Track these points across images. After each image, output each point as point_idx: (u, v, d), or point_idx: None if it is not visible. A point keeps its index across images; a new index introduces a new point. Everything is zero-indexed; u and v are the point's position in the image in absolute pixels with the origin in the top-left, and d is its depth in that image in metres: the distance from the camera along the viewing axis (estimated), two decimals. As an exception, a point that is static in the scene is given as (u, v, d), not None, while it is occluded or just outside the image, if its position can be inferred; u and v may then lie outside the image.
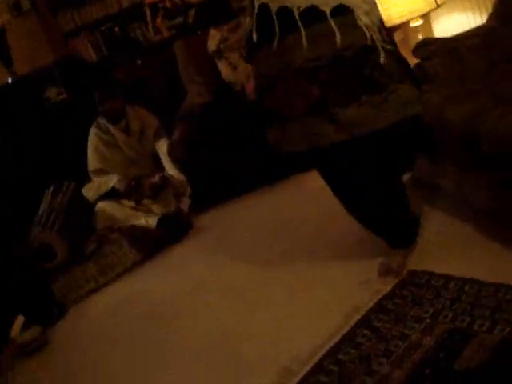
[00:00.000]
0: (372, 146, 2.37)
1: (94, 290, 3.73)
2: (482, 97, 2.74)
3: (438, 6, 4.16)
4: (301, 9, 2.27)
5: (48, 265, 3.93)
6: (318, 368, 2.26)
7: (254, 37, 2.37)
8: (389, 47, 2.35)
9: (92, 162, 4.51)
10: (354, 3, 2.29)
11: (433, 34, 4.56)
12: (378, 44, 2.30)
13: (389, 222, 2.66)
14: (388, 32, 2.47)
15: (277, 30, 2.29)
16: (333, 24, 2.25)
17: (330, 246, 3.08)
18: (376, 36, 2.30)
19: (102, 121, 4.52)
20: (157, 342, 2.89)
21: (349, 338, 2.36)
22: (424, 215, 2.86)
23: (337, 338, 2.37)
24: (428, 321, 2.29)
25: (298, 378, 2.24)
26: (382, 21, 2.44)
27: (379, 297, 2.53)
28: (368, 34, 2.28)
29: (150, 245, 3.88)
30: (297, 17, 2.27)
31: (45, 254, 3.93)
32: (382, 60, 2.28)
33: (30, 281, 3.66)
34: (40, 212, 4.19)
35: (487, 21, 3.45)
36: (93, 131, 4.54)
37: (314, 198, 3.56)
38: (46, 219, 4.07)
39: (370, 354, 2.24)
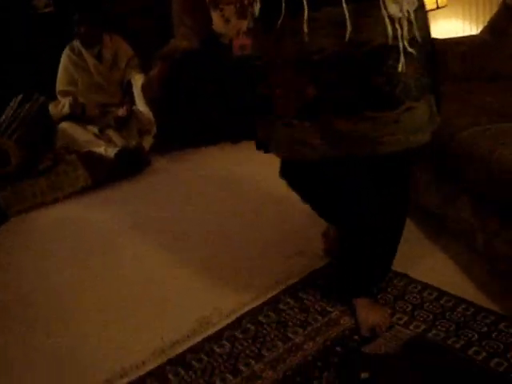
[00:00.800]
0: (368, 169, 2.01)
1: (39, 206, 3.73)
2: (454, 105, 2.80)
3: (438, 7, 4.18)
4: None
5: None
6: (237, 324, 2.32)
7: (256, 9, 1.94)
8: (412, 50, 1.82)
9: (60, 82, 4.54)
10: None
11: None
12: (401, 45, 1.80)
13: (371, 259, 2.23)
14: (428, 29, 1.96)
15: (283, 9, 1.82)
16: (345, 9, 1.75)
17: (273, 209, 3.17)
18: (403, 33, 1.80)
19: (77, 43, 4.53)
20: (81, 268, 2.95)
21: (273, 302, 2.42)
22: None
23: (261, 300, 2.43)
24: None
25: (215, 329, 2.30)
26: (420, 11, 1.89)
27: (311, 270, 2.59)
28: (390, 30, 1.77)
29: (104, 174, 3.89)
30: None
31: (-2, 160, 3.89)
32: (400, 68, 1.80)
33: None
34: (2, 118, 4.13)
35: (481, 32, 3.49)
36: (66, 52, 4.55)
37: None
38: (6, 126, 4.02)
39: (288, 321, 2.30)
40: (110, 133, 4.23)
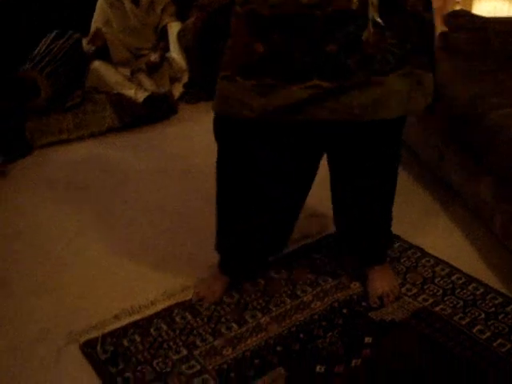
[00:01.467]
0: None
1: (64, 141, 3.75)
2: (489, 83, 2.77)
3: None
4: None
5: (28, 102, 3.91)
6: (247, 277, 2.36)
7: None
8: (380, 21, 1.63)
9: (96, 21, 4.49)
10: None
11: (470, 9, 4.50)
12: (370, 13, 1.61)
13: (372, 227, 2.20)
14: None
15: None
16: None
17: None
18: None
19: (115, -16, 4.46)
20: (96, 204, 3.01)
21: (285, 259, 2.45)
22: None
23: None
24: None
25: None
26: None
27: (327, 233, 2.61)
28: None
29: (131, 117, 3.89)
30: None
31: (28, 90, 3.91)
32: (364, 36, 1.62)
33: (5, 109, 3.69)
34: (36, 51, 4.14)
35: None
36: (102, -8, 4.49)
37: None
38: (39, 60, 4.02)
39: (298, 280, 2.33)
40: (141, 77, 4.22)
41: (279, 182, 2.01)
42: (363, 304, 2.19)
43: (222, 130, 2.00)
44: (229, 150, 2.02)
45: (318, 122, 1.76)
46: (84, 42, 4.36)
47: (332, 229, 2.55)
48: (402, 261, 2.44)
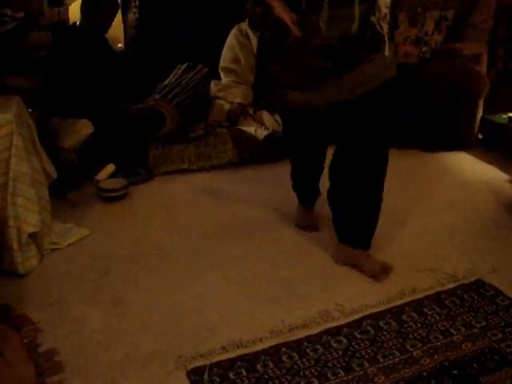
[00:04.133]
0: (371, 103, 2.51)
1: (184, 171, 3.89)
2: None
3: None
4: None
5: (154, 131, 4.09)
6: (357, 324, 2.35)
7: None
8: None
9: (225, 59, 4.67)
10: None
11: None
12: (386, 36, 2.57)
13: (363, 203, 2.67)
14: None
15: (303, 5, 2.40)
16: (357, 10, 2.40)
17: (418, 219, 3.11)
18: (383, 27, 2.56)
19: (245, 25, 4.65)
20: (209, 237, 3.08)
21: (396, 311, 2.42)
22: None
23: (385, 307, 2.44)
24: (475, 330, 2.31)
25: (334, 324, 2.35)
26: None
27: (439, 289, 2.56)
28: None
29: (250, 153, 3.97)
30: None
31: (155, 120, 4.08)
32: (387, 52, 2.59)
33: (133, 136, 3.88)
34: (165, 82, 4.33)
35: None
36: (233, 32, 4.69)
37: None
38: (168, 91, 4.21)
39: (408, 333, 2.29)
40: (263, 115, 4.32)
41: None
42: (475, 366, 2.12)
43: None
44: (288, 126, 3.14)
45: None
46: (212, 83, 4.53)
47: (446, 285, 2.53)
48: (500, 314, 2.39)
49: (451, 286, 2.58)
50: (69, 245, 3.02)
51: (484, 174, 3.83)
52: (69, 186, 3.52)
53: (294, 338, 2.27)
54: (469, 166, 3.99)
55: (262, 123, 4.24)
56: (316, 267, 2.77)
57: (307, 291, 2.58)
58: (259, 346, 2.23)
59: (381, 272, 2.66)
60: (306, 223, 3.15)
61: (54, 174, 3.15)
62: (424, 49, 4.51)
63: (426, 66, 4.19)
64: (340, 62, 2.45)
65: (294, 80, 2.56)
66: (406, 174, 3.79)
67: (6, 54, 3.55)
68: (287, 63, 2.55)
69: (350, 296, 2.53)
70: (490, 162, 3.99)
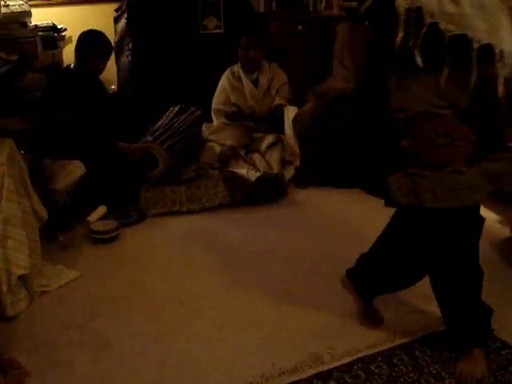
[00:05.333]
0: None
1: (175, 213, 3.89)
2: None
3: None
4: (481, 43, 1.96)
5: (146, 173, 4.11)
6: (348, 368, 2.34)
7: (419, 60, 2.01)
8: None
9: (216, 100, 4.74)
10: None
11: None
12: None
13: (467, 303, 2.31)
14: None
15: (448, 60, 1.99)
16: (500, 69, 1.99)
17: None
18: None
19: (237, 67, 4.73)
20: (201, 279, 3.07)
21: (387, 354, 2.41)
22: None
23: (375, 350, 2.43)
24: None
25: (325, 368, 2.33)
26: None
27: (430, 331, 2.55)
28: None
29: (242, 195, 3.99)
30: (474, 52, 1.97)
31: (147, 162, 4.11)
32: None
33: (124, 178, 3.89)
34: (158, 124, 4.36)
35: None
36: (226, 74, 4.77)
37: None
38: (160, 133, 4.24)
39: (399, 377, 2.28)
40: (255, 157, 4.35)
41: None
42: (466, 411, 2.11)
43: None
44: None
45: None
46: (204, 126, 4.58)
47: (437, 327, 2.52)
48: (491, 357, 2.36)
49: (442, 328, 2.56)
50: (59, 287, 3.00)
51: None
52: (60, 228, 3.51)
53: (284, 383, 2.25)
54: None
55: (253, 165, 4.27)
56: (306, 310, 2.76)
57: (298, 334, 2.56)
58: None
59: None
60: (373, 319, 2.64)
61: (45, 216, 3.14)
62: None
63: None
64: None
65: (445, 156, 2.07)
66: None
67: (1, 96, 3.58)
68: (431, 134, 2.08)
69: (341, 339, 2.51)
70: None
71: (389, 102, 2.16)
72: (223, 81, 4.74)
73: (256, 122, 4.63)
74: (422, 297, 2.82)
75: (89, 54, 3.98)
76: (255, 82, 4.69)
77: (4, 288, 2.70)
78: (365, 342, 2.49)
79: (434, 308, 2.68)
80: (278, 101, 4.64)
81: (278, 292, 2.93)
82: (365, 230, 3.61)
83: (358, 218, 3.79)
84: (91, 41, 4.03)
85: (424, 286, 2.89)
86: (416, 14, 1.99)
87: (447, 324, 2.39)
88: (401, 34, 2.01)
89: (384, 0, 2.04)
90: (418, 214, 2.17)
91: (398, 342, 2.50)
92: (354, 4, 5.99)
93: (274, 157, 4.30)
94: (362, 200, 4.06)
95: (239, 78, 4.70)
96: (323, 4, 6.02)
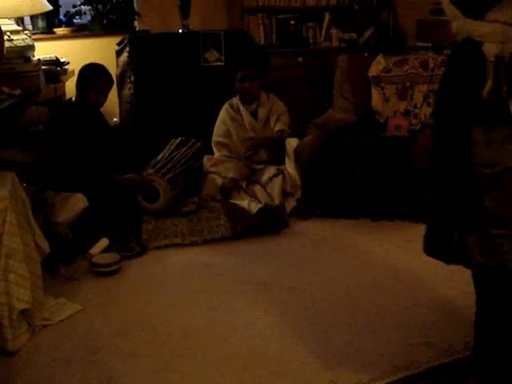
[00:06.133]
0: None
1: (177, 245, 3.89)
2: None
3: None
4: None
5: (147, 205, 4.13)
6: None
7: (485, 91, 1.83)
8: None
9: (217, 133, 4.80)
10: None
11: None
12: None
13: None
14: None
15: None
16: None
17: (404, 292, 3.13)
18: None
19: (236, 100, 4.80)
20: (201, 313, 3.05)
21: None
22: None
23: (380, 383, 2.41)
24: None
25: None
26: None
27: (434, 364, 2.53)
28: None
29: (244, 227, 3.98)
30: None
31: (148, 194, 4.13)
32: None
33: (126, 211, 3.91)
34: (159, 157, 4.39)
35: None
36: (225, 107, 4.83)
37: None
38: (161, 166, 4.26)
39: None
40: (256, 189, 4.37)
41: None
42: None
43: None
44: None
45: None
46: (205, 158, 4.62)
47: (442, 360, 2.50)
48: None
49: (446, 360, 2.55)
50: (60, 321, 2.99)
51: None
52: (62, 261, 3.51)
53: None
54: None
55: (254, 197, 4.29)
56: (307, 343, 2.74)
57: (301, 367, 2.55)
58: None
59: None
60: None
61: (47, 249, 3.15)
62: (414, 121, 4.61)
63: (416, 139, 4.25)
64: None
65: None
66: (397, 246, 3.81)
67: (4, 129, 3.61)
68: None
69: (345, 373, 2.49)
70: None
71: (472, 155, 1.91)
72: (223, 113, 4.78)
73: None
74: (426, 328, 2.82)
75: (90, 87, 4.02)
76: (254, 114, 4.75)
77: (5, 322, 2.69)
78: (369, 374, 2.46)
79: (438, 340, 2.69)
80: (278, 127, 4.68)
81: (279, 325, 2.91)
82: (367, 260, 3.63)
83: (360, 248, 3.80)
84: (92, 74, 4.07)
85: (428, 317, 2.91)
86: (509, 60, 1.80)
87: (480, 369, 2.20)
88: (490, 83, 1.83)
89: (468, 46, 1.86)
90: (502, 277, 1.99)
91: (402, 374, 2.47)
92: (353, 35, 6.09)
93: (276, 188, 4.33)
94: (364, 230, 4.08)
95: (238, 110, 4.76)
96: (323, 36, 6.12)
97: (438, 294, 3.18)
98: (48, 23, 5.33)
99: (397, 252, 3.72)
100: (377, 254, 3.71)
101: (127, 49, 4.99)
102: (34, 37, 4.58)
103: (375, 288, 3.25)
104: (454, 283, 3.30)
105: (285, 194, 4.37)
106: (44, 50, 4.77)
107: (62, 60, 4.70)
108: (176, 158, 4.37)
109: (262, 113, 4.75)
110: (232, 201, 4.24)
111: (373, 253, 3.73)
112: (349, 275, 3.42)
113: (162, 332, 2.88)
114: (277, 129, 4.69)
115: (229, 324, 2.94)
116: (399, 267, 3.50)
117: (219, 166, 4.54)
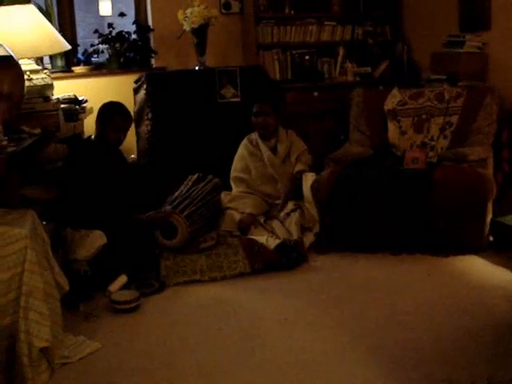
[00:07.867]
0: None
1: (196, 281, 3.87)
2: None
3: None
4: None
5: (166, 242, 4.14)
6: None
7: None
8: None
9: (235, 168, 4.83)
10: None
11: None
12: None
13: None
14: None
15: None
16: None
17: (427, 325, 3.10)
18: None
19: (255, 135, 4.85)
20: (223, 349, 3.02)
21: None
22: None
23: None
24: None
25: None
26: None
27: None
28: None
29: (262, 263, 3.95)
30: None
31: (166, 231, 4.14)
32: None
33: (144, 248, 3.91)
34: (176, 193, 4.41)
35: None
36: (244, 142, 4.89)
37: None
38: (179, 202, 4.27)
39: None
40: (274, 224, 4.37)
41: None
42: None
43: None
44: None
45: None
46: (223, 194, 4.66)
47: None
48: None
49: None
50: (80, 359, 2.97)
51: (496, 277, 3.78)
52: (81, 298, 3.51)
53: None
54: (480, 269, 3.95)
55: (273, 232, 4.29)
56: (331, 380, 2.71)
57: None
58: None
59: None
60: None
61: (67, 287, 3.15)
62: (430, 154, 4.60)
63: (434, 171, 4.24)
64: None
65: None
66: (417, 279, 3.78)
67: (24, 167, 3.65)
68: None
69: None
70: (502, 265, 3.96)
71: None
72: (241, 149, 4.82)
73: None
74: (431, 361, 2.78)
75: (109, 126, 4.07)
76: (273, 150, 4.78)
77: (25, 361, 2.68)
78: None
79: (460, 376, 2.64)
80: (298, 167, 4.70)
81: (297, 363, 2.88)
82: (387, 294, 3.60)
83: (380, 282, 3.78)
84: (111, 112, 4.12)
85: (433, 350, 2.86)
86: None
87: None
88: None
89: None
90: None
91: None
92: (368, 69, 6.14)
93: (294, 223, 4.33)
94: (383, 264, 4.05)
95: (257, 146, 4.80)
96: (337, 70, 6.18)
97: (460, 327, 3.14)
98: (66, 62, 5.45)
99: (418, 285, 3.68)
100: (397, 288, 3.68)
101: (144, 86, 5.06)
102: (52, 76, 4.64)
103: (395, 323, 3.21)
104: (477, 315, 3.26)
105: (303, 229, 4.37)
106: (63, 89, 4.85)
107: (80, 98, 4.77)
108: (193, 194, 4.38)
109: (281, 148, 4.78)
110: (250, 236, 4.25)
111: (393, 287, 3.69)
112: (369, 310, 3.38)
113: (180, 370, 2.85)
114: (297, 169, 4.71)
115: (248, 361, 2.91)
116: (420, 302, 3.46)
117: (237, 202, 4.55)
